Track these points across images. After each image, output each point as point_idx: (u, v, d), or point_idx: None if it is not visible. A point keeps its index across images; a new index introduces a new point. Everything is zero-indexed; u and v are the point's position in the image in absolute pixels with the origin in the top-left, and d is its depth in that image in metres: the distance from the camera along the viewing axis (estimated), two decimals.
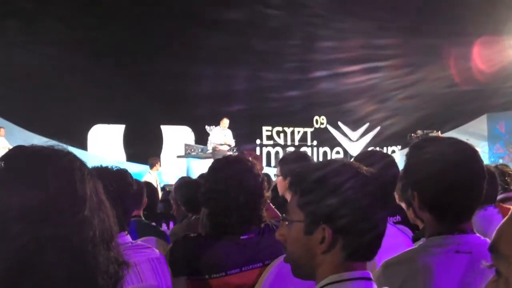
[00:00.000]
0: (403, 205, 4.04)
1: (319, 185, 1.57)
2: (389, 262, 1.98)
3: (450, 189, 1.90)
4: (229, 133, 14.34)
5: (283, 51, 15.84)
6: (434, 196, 1.92)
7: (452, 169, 1.91)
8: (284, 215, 1.67)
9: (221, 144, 13.86)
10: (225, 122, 14.21)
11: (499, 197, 4.21)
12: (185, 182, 5.25)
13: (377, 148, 16.67)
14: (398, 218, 3.82)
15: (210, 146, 13.92)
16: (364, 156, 3.61)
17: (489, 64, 15.82)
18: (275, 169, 13.63)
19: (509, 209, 3.68)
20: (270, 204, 3.00)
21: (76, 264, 1.12)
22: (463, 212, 1.96)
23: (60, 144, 1.22)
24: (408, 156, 2.04)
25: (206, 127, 12.19)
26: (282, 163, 4.48)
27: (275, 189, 4.30)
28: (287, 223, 1.64)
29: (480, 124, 16.78)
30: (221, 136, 14.03)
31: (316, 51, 16.54)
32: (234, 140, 14.48)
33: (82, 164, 1.22)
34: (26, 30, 12.70)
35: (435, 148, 1.97)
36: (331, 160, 1.76)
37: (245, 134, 14.95)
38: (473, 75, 16.22)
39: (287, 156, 4.57)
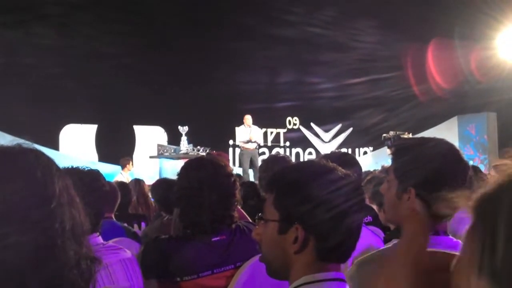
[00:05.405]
0: (374, 206, 4.08)
1: (294, 185, 1.57)
2: (362, 260, 2.00)
3: (447, 186, 1.91)
4: (256, 129, 14.19)
5: (252, 53, 15.82)
6: (432, 194, 1.93)
7: (449, 167, 1.96)
8: (260, 214, 1.67)
9: (246, 142, 13.81)
10: (247, 118, 14.06)
11: None
12: (161, 182, 5.25)
13: (349, 150, 16.85)
14: (369, 218, 3.84)
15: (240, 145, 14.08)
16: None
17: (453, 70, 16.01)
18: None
19: None
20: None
21: (43, 258, 1.12)
22: None
23: (27, 142, 1.22)
24: (400, 155, 2.06)
25: (179, 127, 12.12)
26: (262, 169, 4.54)
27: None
28: (263, 222, 1.65)
29: (451, 126, 16.95)
30: (245, 134, 13.92)
31: (288, 53, 16.57)
32: (261, 137, 14.66)
33: (49, 160, 1.21)
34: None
35: (430, 146, 2.02)
36: (308, 161, 1.79)
37: (218, 134, 14.92)
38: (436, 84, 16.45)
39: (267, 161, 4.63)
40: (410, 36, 15.13)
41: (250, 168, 13.55)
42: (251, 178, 12.35)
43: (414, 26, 15.07)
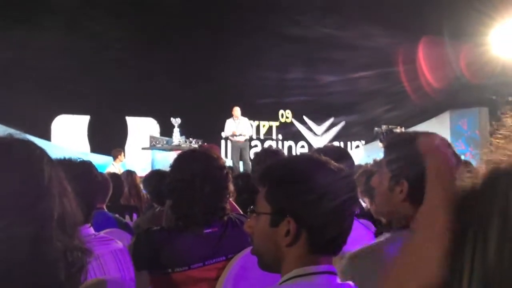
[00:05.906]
0: (366, 200, 4.09)
1: (286, 178, 1.58)
2: (355, 253, 2.00)
3: None
4: (244, 121, 13.96)
5: (245, 46, 15.79)
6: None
7: None
8: (252, 207, 1.67)
9: (232, 136, 13.68)
10: (236, 110, 13.87)
11: None
12: (153, 174, 5.24)
13: (342, 143, 16.87)
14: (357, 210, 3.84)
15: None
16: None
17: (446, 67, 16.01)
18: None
19: None
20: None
21: (32, 249, 1.12)
22: None
23: (18, 132, 1.21)
24: (393, 148, 2.06)
25: (172, 119, 12.11)
26: (254, 162, 4.53)
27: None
28: (255, 215, 1.65)
29: (443, 120, 16.98)
30: (232, 127, 13.75)
31: (281, 48, 16.55)
32: (249, 129, 14.32)
33: (41, 151, 1.21)
34: None
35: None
36: (301, 154, 1.78)
37: (211, 127, 14.90)
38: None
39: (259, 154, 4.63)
40: (403, 32, 15.13)
41: (240, 160, 13.52)
42: (241, 171, 12.33)
43: (407, 22, 15.07)
